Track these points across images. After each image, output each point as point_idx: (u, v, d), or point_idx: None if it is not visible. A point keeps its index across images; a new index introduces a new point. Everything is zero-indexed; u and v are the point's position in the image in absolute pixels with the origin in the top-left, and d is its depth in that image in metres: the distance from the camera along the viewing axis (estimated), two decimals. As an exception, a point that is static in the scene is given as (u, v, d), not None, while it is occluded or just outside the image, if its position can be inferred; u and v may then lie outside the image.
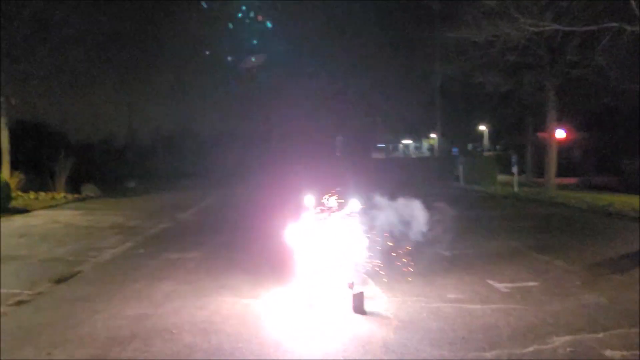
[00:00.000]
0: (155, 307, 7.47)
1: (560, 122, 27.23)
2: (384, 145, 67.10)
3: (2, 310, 7.46)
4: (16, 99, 24.11)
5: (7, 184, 20.25)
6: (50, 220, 17.12)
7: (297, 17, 37.73)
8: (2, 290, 8.43)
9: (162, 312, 7.24)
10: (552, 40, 22.56)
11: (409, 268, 8.73)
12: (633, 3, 16.50)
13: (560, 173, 27.47)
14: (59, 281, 9.19)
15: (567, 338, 6.03)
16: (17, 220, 17.16)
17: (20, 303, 7.84)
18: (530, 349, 5.75)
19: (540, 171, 29.61)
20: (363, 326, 6.59)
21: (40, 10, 22.93)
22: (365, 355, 5.68)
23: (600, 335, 6.15)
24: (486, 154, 50.71)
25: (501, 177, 32.77)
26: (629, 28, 17.04)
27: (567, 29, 19.19)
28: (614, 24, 17.45)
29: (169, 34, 31.78)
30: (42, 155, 25.58)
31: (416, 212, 8.23)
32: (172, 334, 6.36)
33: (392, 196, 8.37)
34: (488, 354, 5.61)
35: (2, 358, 5.71)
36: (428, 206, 8.62)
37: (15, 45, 23.06)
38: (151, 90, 32.21)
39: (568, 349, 5.72)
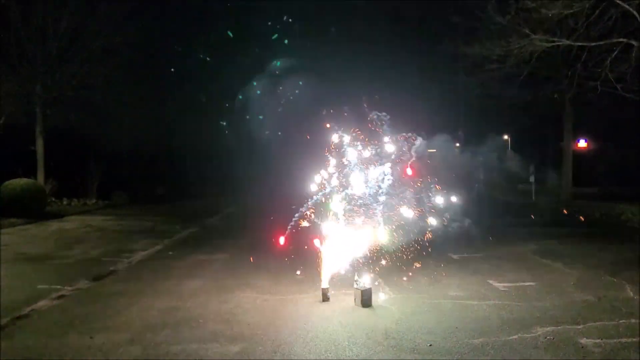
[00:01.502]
0: (184, 301, 8.29)
1: (579, 133, 27.63)
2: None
3: (45, 303, 8.31)
4: (51, 109, 25.14)
5: (42, 190, 21.31)
6: (84, 225, 18.09)
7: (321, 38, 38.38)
8: (44, 286, 9.32)
9: (189, 305, 8.05)
10: (568, 54, 23.07)
11: (417, 269, 9.52)
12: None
13: (582, 183, 27.77)
14: (96, 279, 10.07)
15: (549, 328, 6.71)
16: (53, 225, 18.16)
17: (61, 297, 8.69)
18: (515, 336, 6.45)
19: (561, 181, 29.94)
20: (369, 318, 7.34)
21: (74, 24, 23.97)
22: (368, 340, 6.41)
23: (580, 326, 6.81)
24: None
25: (521, 186, 33.08)
26: (635, 44, 17.55)
27: (576, 44, 19.69)
28: (622, 40, 17.98)
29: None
30: (75, 163, 26.51)
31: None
32: (198, 323, 7.16)
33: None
34: (476, 341, 6.31)
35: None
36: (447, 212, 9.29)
37: (50, 56, 24.15)
38: (178, 105, 33.24)
39: (548, 337, 6.40)
